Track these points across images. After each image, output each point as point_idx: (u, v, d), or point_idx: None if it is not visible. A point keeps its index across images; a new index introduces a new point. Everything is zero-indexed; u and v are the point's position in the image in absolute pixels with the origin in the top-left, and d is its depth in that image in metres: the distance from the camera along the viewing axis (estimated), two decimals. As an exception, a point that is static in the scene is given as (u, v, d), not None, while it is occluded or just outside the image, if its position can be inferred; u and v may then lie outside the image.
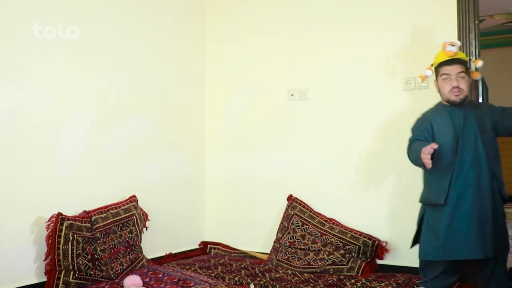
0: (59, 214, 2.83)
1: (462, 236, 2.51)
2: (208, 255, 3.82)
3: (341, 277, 3.13)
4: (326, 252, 3.36)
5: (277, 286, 3.01)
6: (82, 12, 3.18)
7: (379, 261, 3.37)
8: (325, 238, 3.44)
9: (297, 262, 3.39)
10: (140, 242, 3.30)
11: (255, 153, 3.98)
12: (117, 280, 2.91)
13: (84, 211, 3.04)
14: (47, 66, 2.97)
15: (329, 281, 3.05)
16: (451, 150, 2.58)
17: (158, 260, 3.58)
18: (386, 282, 2.97)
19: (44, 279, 2.79)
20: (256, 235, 3.90)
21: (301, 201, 3.68)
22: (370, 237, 3.35)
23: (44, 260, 2.78)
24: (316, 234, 3.48)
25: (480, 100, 3.17)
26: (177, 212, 3.89)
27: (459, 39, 3.21)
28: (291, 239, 3.54)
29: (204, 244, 4.04)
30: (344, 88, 3.62)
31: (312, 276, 3.21)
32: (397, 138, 3.41)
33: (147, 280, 2.91)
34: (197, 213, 4.11)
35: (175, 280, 2.92)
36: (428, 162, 2.43)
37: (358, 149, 3.55)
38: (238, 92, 4.09)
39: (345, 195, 3.57)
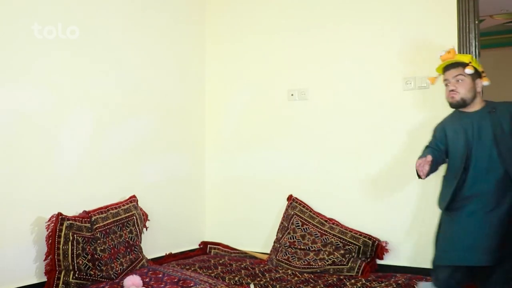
0: (59, 214, 2.83)
1: (468, 242, 2.49)
2: (208, 255, 3.82)
3: (341, 277, 3.13)
4: (326, 252, 3.36)
5: (277, 286, 3.01)
6: (82, 12, 3.18)
7: (379, 261, 3.37)
8: (325, 238, 3.44)
9: (297, 262, 3.39)
10: (140, 242, 3.30)
11: (255, 153, 3.98)
12: (117, 280, 2.91)
13: (84, 211, 3.04)
14: (47, 66, 2.97)
15: (329, 281, 3.05)
16: (461, 158, 2.57)
17: (158, 260, 3.58)
18: (386, 282, 2.97)
19: (44, 279, 2.79)
20: (256, 235, 3.90)
21: (301, 201, 3.68)
22: (370, 237, 3.36)
23: (44, 260, 2.79)
24: (316, 234, 3.48)
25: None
26: (177, 212, 3.89)
27: (459, 39, 3.22)
28: (291, 239, 3.54)
29: (204, 244, 4.04)
30: (344, 88, 3.62)
31: (312, 276, 3.21)
32: (397, 138, 3.42)
33: (147, 280, 2.91)
34: (197, 213, 4.11)
35: (175, 280, 2.92)
36: (420, 171, 2.56)
37: (358, 149, 3.55)
38: (238, 92, 4.09)
39: (345, 195, 3.57)
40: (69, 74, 3.10)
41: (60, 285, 2.73)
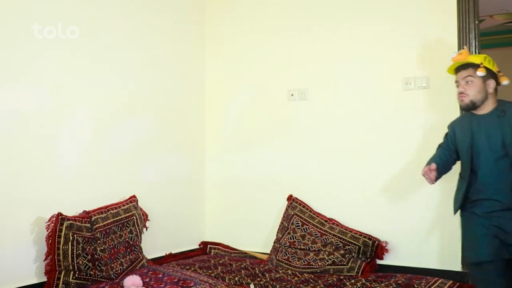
0: (59, 214, 2.83)
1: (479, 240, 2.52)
2: (208, 255, 3.82)
3: (341, 277, 3.13)
4: (326, 252, 3.36)
5: (277, 286, 3.01)
6: (82, 12, 3.18)
7: (379, 261, 3.37)
8: (325, 238, 3.44)
9: (297, 262, 3.39)
10: (140, 242, 3.30)
11: (255, 153, 3.98)
12: (117, 280, 2.91)
13: (84, 211, 3.04)
14: (47, 66, 2.97)
15: (329, 281, 3.05)
16: (468, 161, 2.56)
17: (158, 260, 3.58)
18: (386, 282, 2.97)
19: (44, 279, 2.79)
20: (256, 235, 3.90)
21: (301, 201, 3.68)
22: (370, 237, 3.35)
23: (44, 260, 2.78)
24: (316, 234, 3.48)
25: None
26: (177, 212, 3.89)
27: (459, 39, 3.22)
28: (291, 239, 3.54)
29: (204, 244, 4.04)
30: (344, 88, 3.62)
31: (312, 276, 3.21)
32: (396, 138, 3.42)
33: (147, 280, 2.91)
34: (197, 213, 4.11)
35: (175, 280, 2.92)
36: (427, 179, 2.60)
37: (358, 149, 3.55)
38: (238, 92, 4.09)
39: (345, 195, 3.57)
40: (69, 74, 3.10)
41: (60, 285, 2.73)
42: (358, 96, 3.56)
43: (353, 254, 3.34)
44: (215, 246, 3.99)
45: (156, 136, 3.71)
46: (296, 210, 3.63)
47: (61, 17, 3.03)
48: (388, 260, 3.36)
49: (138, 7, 3.61)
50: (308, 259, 3.37)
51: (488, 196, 2.50)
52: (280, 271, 3.31)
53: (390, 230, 3.38)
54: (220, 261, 3.53)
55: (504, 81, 2.61)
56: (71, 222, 2.86)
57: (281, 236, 3.63)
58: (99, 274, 2.88)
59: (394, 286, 2.91)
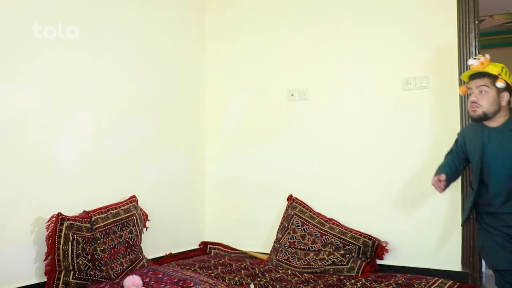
0: (59, 214, 2.83)
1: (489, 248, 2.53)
2: (208, 255, 3.82)
3: (341, 277, 3.13)
4: (326, 252, 3.36)
5: (277, 286, 3.01)
6: (82, 12, 3.18)
7: (379, 261, 3.37)
8: (325, 238, 3.44)
9: (297, 262, 3.39)
10: (140, 242, 3.30)
11: (255, 153, 3.98)
12: (117, 280, 2.91)
13: (84, 211, 3.04)
14: (47, 66, 2.97)
15: (329, 281, 3.05)
16: (477, 173, 2.52)
17: (158, 260, 3.58)
18: (386, 282, 2.97)
19: (44, 279, 2.79)
20: (256, 235, 3.90)
21: (301, 201, 3.68)
22: (370, 237, 3.35)
23: (44, 260, 2.78)
24: (316, 234, 3.48)
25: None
26: (177, 212, 3.89)
27: (459, 39, 3.22)
28: (291, 239, 3.54)
29: (204, 244, 4.04)
30: (344, 88, 3.62)
31: (312, 276, 3.21)
32: (396, 138, 3.42)
33: (147, 280, 2.90)
34: (197, 213, 4.11)
35: (175, 280, 2.92)
36: (437, 188, 2.59)
37: (358, 149, 3.54)
38: (238, 92, 4.09)
39: (345, 195, 3.57)
40: (69, 74, 3.10)
41: (60, 285, 2.73)
42: (358, 96, 3.56)
43: (353, 254, 3.34)
44: (215, 246, 3.99)
45: (156, 136, 3.71)
46: (296, 210, 3.63)
47: (61, 17, 3.03)
48: (388, 260, 3.36)
49: (138, 7, 3.61)
50: (308, 259, 3.37)
51: (500, 210, 2.46)
52: (280, 271, 3.31)
53: (390, 230, 3.38)
54: (220, 261, 3.53)
55: None
56: (71, 222, 2.86)
57: (281, 236, 3.63)
58: (99, 274, 2.88)
59: (394, 286, 2.91)
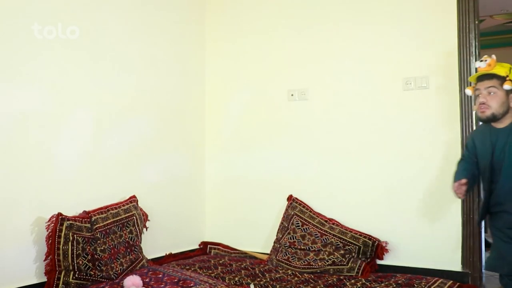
0: (59, 214, 2.83)
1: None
2: (208, 255, 3.82)
3: (341, 277, 3.13)
4: (326, 252, 3.36)
5: (277, 286, 3.01)
6: (82, 12, 3.18)
7: (379, 261, 3.37)
8: (325, 238, 3.44)
9: (297, 262, 3.39)
10: (140, 242, 3.30)
11: (255, 153, 3.97)
12: (117, 281, 2.91)
13: (84, 211, 3.04)
14: (47, 66, 2.97)
15: (329, 281, 3.05)
16: (487, 174, 2.53)
17: (158, 260, 3.58)
18: (386, 282, 2.97)
19: (44, 279, 2.79)
20: (256, 235, 3.90)
21: (301, 201, 3.68)
22: (370, 237, 3.35)
23: (44, 260, 2.78)
24: (316, 234, 3.48)
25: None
26: (177, 212, 3.88)
27: (459, 39, 3.22)
28: (291, 239, 3.54)
29: (204, 244, 4.04)
30: (344, 88, 3.62)
31: (312, 276, 3.21)
32: (396, 138, 3.42)
33: (147, 280, 2.90)
34: (197, 213, 4.11)
35: (175, 280, 2.92)
36: (458, 194, 2.59)
37: (358, 149, 3.54)
38: (238, 92, 4.09)
39: (345, 195, 3.57)
40: (69, 74, 3.10)
41: (60, 285, 2.73)
42: (358, 96, 3.56)
43: (353, 254, 3.34)
44: (215, 246, 3.99)
45: (156, 136, 3.71)
46: (296, 210, 3.63)
47: (61, 17, 3.03)
48: (388, 260, 3.36)
49: (138, 7, 3.61)
50: (308, 259, 3.37)
51: (508, 209, 2.47)
52: (280, 271, 3.31)
53: (390, 230, 3.38)
54: (220, 261, 3.53)
55: None
56: (71, 222, 2.86)
57: (281, 236, 3.63)
58: (99, 274, 2.88)
59: (394, 286, 2.91)
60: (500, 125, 2.51)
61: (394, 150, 3.41)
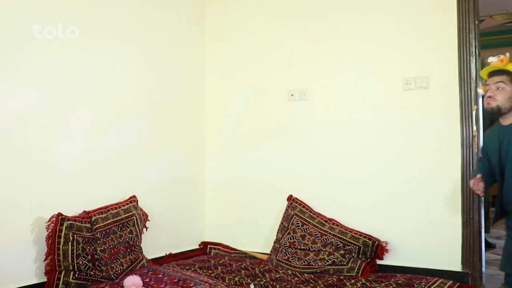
0: (59, 214, 2.83)
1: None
2: (208, 256, 3.82)
3: (341, 277, 3.13)
4: (326, 253, 3.36)
5: (277, 286, 3.01)
6: (82, 12, 3.18)
7: (379, 261, 3.37)
8: (325, 239, 3.44)
9: (297, 263, 3.39)
10: (140, 242, 3.30)
11: (255, 153, 3.97)
12: (117, 281, 2.91)
13: (84, 212, 3.04)
14: (47, 66, 2.97)
15: (329, 281, 3.05)
16: (498, 171, 2.54)
17: (158, 260, 3.58)
18: (386, 282, 2.97)
19: (44, 279, 2.79)
20: (256, 235, 3.90)
21: (301, 201, 3.68)
22: (370, 237, 3.35)
23: (44, 260, 2.78)
24: (316, 234, 3.48)
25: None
26: (177, 212, 3.88)
27: (459, 39, 3.22)
28: (291, 239, 3.54)
29: (204, 244, 4.04)
30: (344, 88, 3.62)
31: (312, 276, 3.21)
32: (396, 138, 3.42)
33: (147, 280, 2.90)
34: (197, 213, 4.11)
35: (175, 280, 2.92)
36: (477, 191, 2.66)
37: (357, 149, 3.54)
38: (238, 92, 4.09)
39: (345, 195, 3.57)
40: (69, 74, 3.10)
41: (60, 285, 2.73)
42: (358, 96, 3.56)
43: (353, 254, 3.34)
44: (215, 246, 3.99)
45: (156, 136, 3.71)
46: (296, 210, 3.63)
47: (61, 17, 3.03)
48: (388, 260, 3.36)
49: (138, 7, 3.61)
50: (308, 259, 3.37)
51: None
52: (280, 271, 3.31)
53: (390, 230, 3.38)
54: (220, 261, 3.53)
55: None
56: (71, 222, 2.86)
57: (281, 236, 3.63)
58: (99, 274, 2.88)
59: (394, 286, 2.91)
60: (506, 121, 2.55)
61: (394, 150, 3.41)
